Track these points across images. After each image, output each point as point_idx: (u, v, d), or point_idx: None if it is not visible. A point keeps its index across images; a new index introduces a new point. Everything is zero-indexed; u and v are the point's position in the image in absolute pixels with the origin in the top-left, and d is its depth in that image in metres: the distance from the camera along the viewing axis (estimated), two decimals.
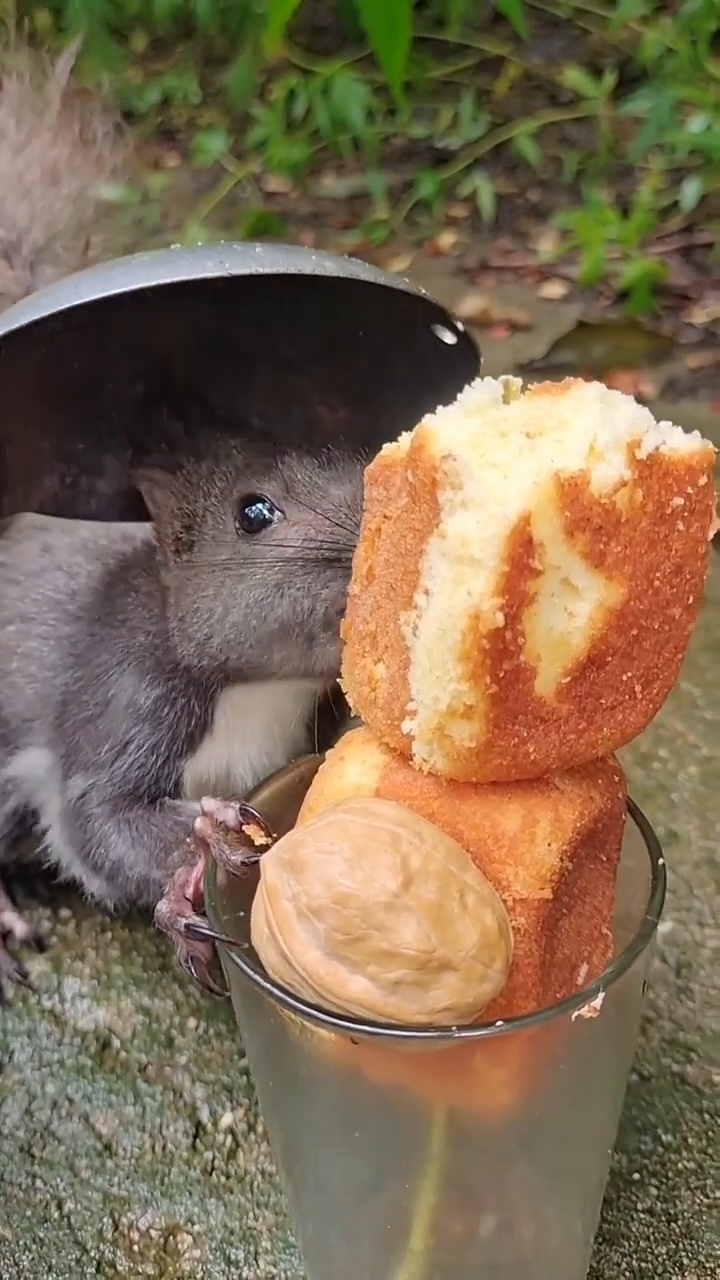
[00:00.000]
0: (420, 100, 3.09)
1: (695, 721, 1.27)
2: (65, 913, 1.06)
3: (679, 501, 0.53)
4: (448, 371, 0.72)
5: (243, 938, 0.58)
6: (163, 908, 0.68)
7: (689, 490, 0.53)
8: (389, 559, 0.55)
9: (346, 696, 0.61)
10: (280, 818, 0.66)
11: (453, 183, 2.92)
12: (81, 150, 0.96)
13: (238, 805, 0.64)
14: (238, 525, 0.73)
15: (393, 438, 0.59)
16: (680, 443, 0.53)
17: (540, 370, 2.10)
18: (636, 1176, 0.83)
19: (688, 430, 0.55)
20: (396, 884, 0.51)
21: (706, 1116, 0.87)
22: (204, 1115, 0.89)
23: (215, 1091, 0.90)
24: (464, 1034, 0.52)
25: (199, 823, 0.66)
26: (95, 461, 0.81)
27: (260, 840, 0.63)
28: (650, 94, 2.52)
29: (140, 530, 0.88)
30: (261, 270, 0.62)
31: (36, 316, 0.62)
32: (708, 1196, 0.82)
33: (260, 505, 0.73)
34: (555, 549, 0.50)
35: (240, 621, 0.72)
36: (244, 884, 0.63)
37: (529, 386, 0.54)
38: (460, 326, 0.70)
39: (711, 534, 0.55)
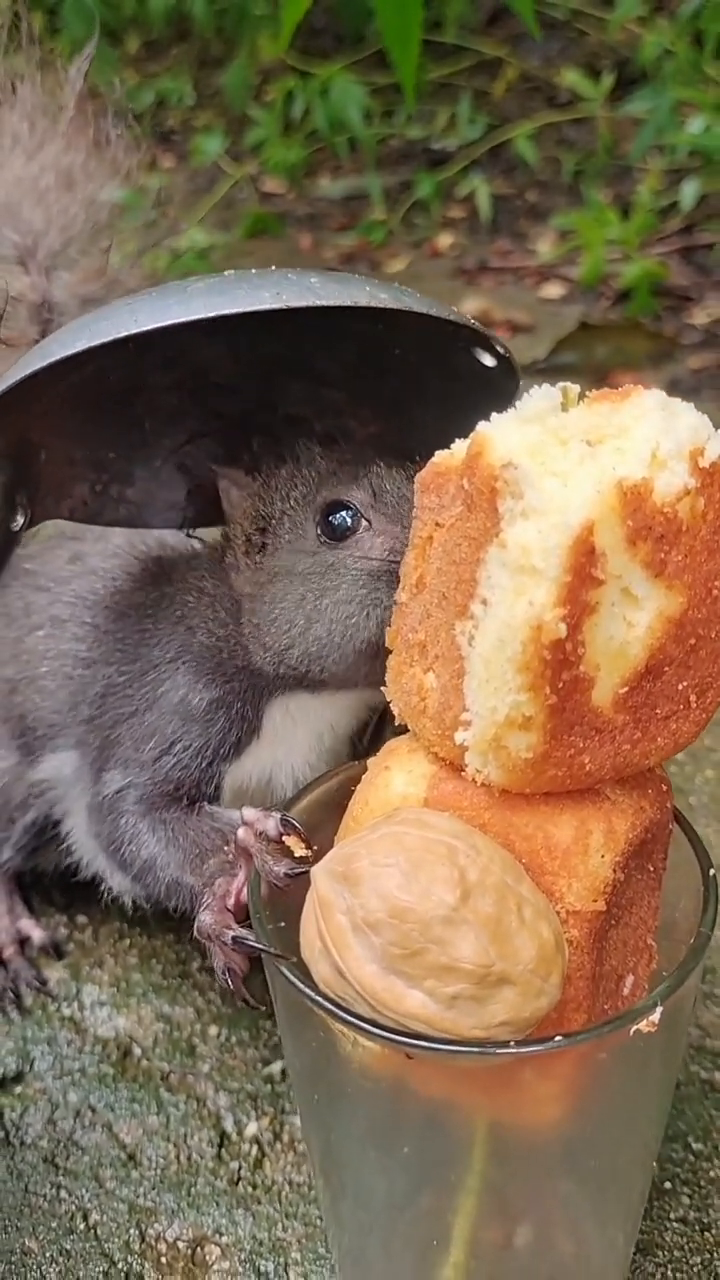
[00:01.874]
0: (417, 102, 3.08)
1: (712, 724, 1.26)
2: (82, 919, 1.05)
3: None
4: (483, 391, 0.73)
5: (286, 950, 0.58)
6: (206, 919, 0.67)
7: None
8: (441, 567, 0.55)
9: (392, 705, 0.61)
10: (320, 827, 0.65)
11: (450, 184, 2.91)
12: (95, 154, 0.96)
13: (278, 815, 0.63)
14: (320, 532, 0.72)
15: (424, 454, 0.59)
16: None
17: (543, 371, 2.09)
18: (669, 1185, 0.83)
19: None
20: (454, 897, 0.50)
21: None
22: (228, 1124, 0.88)
23: (239, 1100, 0.89)
24: (522, 1049, 0.51)
25: (241, 833, 0.65)
26: (125, 470, 0.80)
27: (300, 852, 0.62)
28: (649, 95, 2.52)
29: (175, 538, 0.88)
30: (318, 302, 0.61)
31: (92, 344, 0.62)
32: None
33: (345, 513, 0.71)
34: (617, 558, 0.50)
35: (324, 636, 0.72)
36: (284, 895, 0.62)
37: (586, 393, 0.53)
38: (503, 351, 0.70)
39: None
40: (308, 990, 0.53)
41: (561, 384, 0.53)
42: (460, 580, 0.53)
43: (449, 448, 0.58)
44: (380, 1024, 0.52)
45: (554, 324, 2.31)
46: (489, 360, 0.71)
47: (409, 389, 0.77)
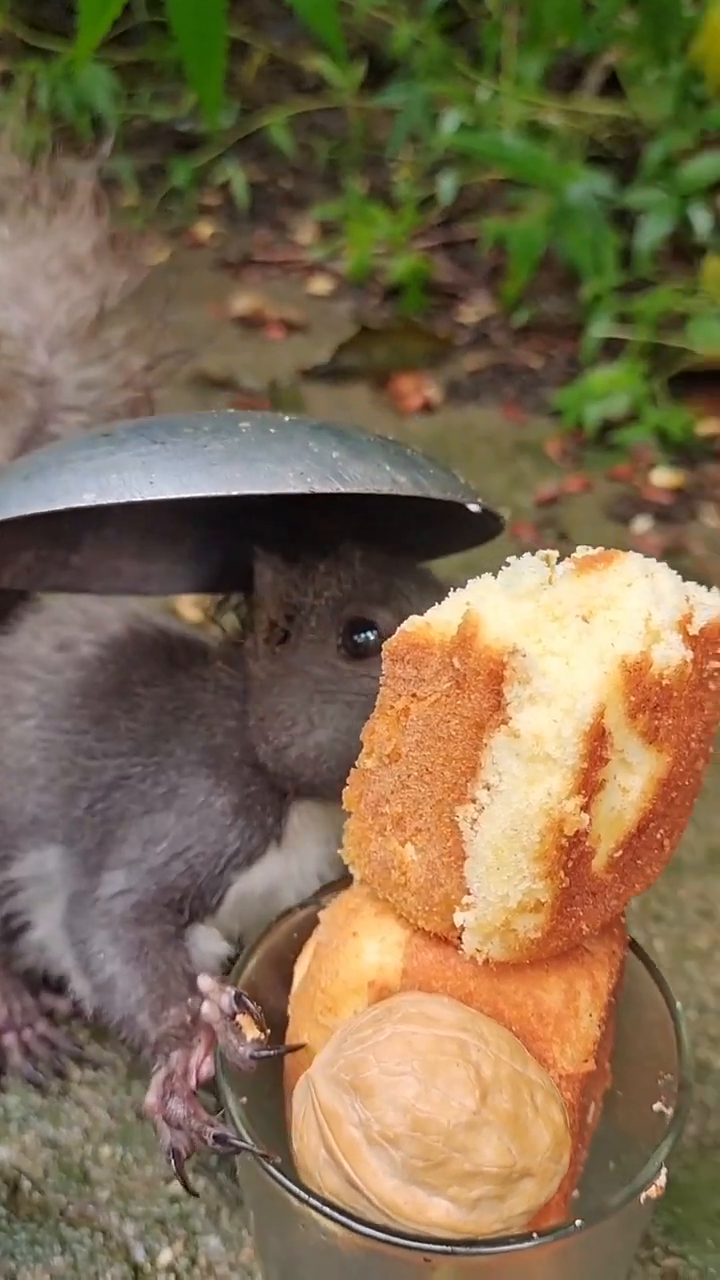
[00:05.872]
0: (160, 83, 2.99)
1: None
2: None
3: (715, 664, 0.52)
4: (467, 523, 0.72)
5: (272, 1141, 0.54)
6: (177, 1109, 0.62)
7: None
8: (422, 741, 0.52)
9: (353, 869, 0.58)
10: (269, 985, 0.62)
11: (204, 170, 2.83)
12: (105, 242, 1.00)
13: (232, 990, 0.59)
14: (340, 643, 0.70)
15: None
16: (714, 604, 0.52)
17: (326, 375, 2.08)
18: None
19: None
20: (474, 1100, 0.48)
21: None
22: (139, 1255, 0.83)
23: (148, 1226, 0.85)
24: (544, 1239, 0.50)
25: (206, 1008, 0.60)
26: (73, 537, 0.76)
27: (253, 1034, 0.58)
28: (402, 89, 2.51)
29: (174, 623, 0.86)
30: (341, 489, 0.59)
31: (100, 502, 0.59)
32: None
33: (370, 633, 0.69)
34: (619, 733, 0.49)
35: (325, 743, 0.69)
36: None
37: (569, 558, 0.52)
38: (485, 506, 0.69)
39: None
40: (332, 1212, 0.50)
41: (542, 552, 0.51)
42: (449, 758, 0.50)
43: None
44: (396, 1231, 0.49)
45: (326, 322, 2.30)
46: (475, 508, 0.70)
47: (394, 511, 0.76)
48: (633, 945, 0.62)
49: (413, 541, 0.74)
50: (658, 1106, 0.58)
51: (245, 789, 0.75)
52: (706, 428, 1.90)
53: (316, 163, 2.83)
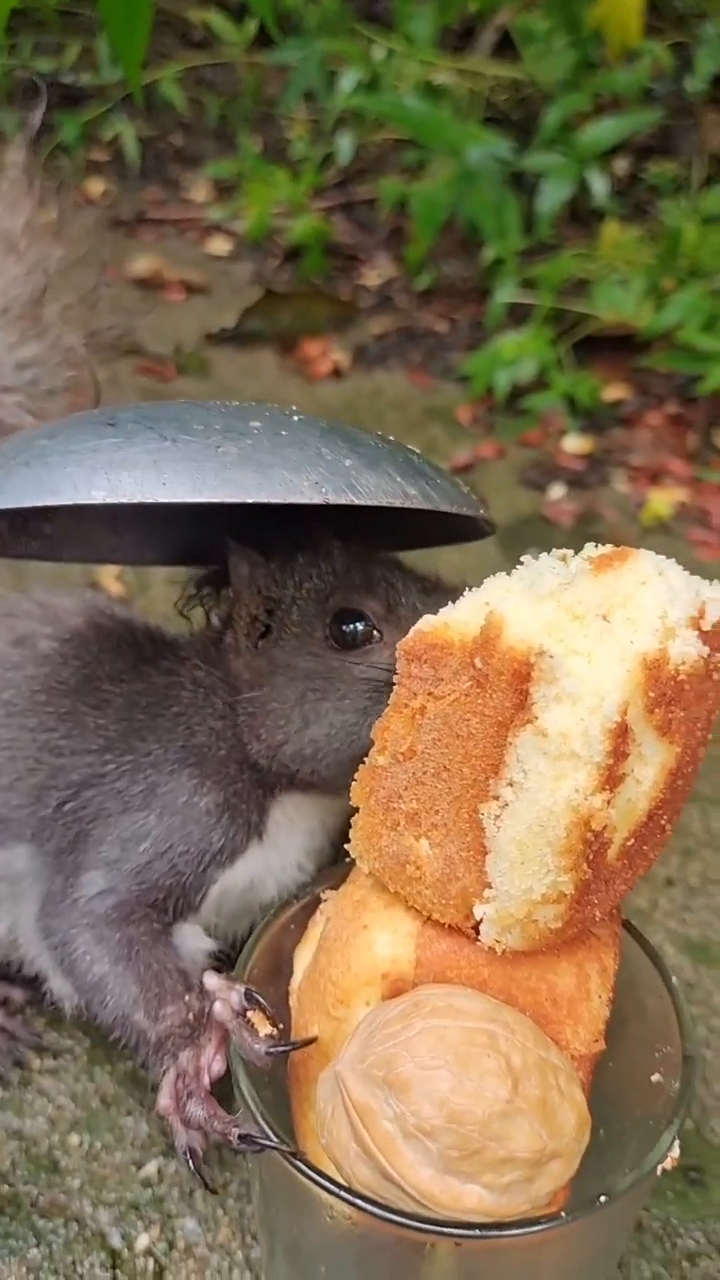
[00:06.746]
0: (41, 33, 2.89)
1: None
2: None
3: None
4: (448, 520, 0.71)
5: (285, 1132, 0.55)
6: (197, 1111, 0.62)
7: None
8: (439, 739, 0.52)
9: (361, 863, 0.58)
10: (267, 976, 0.62)
11: (91, 125, 2.76)
12: (38, 220, 0.97)
13: (241, 988, 0.59)
14: (328, 634, 0.69)
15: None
16: None
17: (232, 339, 2.05)
18: None
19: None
20: (507, 1090, 0.49)
21: None
22: (116, 1241, 0.83)
23: (122, 1212, 0.85)
24: (573, 1218, 0.51)
25: (219, 1008, 0.60)
26: (49, 508, 0.73)
27: (265, 1030, 0.58)
28: (297, 46, 2.47)
29: (135, 614, 0.85)
30: (355, 500, 0.58)
31: (111, 500, 0.57)
32: None
33: (359, 623, 0.68)
34: (638, 727, 0.50)
35: (321, 739, 0.68)
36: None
37: (583, 556, 0.52)
38: (485, 517, 0.69)
39: None
40: (365, 1204, 0.50)
41: (557, 551, 0.52)
42: (469, 755, 0.51)
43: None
44: (427, 1219, 0.50)
45: (228, 284, 2.27)
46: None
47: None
48: (626, 924, 0.64)
49: (389, 527, 0.74)
50: (656, 1078, 0.59)
51: (230, 786, 0.74)
52: (611, 393, 1.93)
53: (207, 119, 2.78)
